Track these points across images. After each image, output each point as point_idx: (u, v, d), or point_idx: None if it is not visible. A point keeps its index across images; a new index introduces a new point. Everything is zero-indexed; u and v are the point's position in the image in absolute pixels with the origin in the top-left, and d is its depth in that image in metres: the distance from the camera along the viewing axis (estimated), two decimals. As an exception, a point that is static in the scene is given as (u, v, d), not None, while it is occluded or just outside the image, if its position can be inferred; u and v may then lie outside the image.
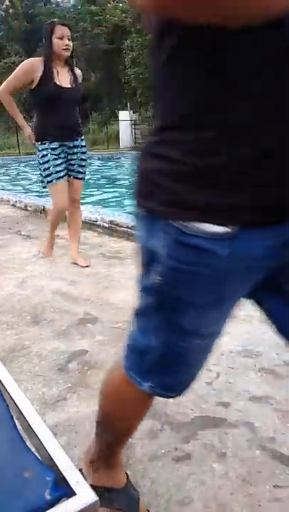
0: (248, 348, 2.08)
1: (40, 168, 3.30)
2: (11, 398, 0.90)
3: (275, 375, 1.84)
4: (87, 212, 5.04)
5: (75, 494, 0.66)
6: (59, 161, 3.24)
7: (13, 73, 3.18)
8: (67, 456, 0.77)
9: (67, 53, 3.13)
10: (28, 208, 6.23)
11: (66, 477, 0.69)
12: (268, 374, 1.85)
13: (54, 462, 0.74)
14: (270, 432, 1.50)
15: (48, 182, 3.28)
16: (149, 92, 31.36)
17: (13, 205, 6.76)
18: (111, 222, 4.52)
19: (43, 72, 3.08)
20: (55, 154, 3.21)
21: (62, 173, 3.27)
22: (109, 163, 18.09)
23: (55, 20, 3.43)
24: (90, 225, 4.80)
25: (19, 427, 0.85)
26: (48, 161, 3.22)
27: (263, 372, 1.87)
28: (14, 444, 0.80)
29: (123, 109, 29.99)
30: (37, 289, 2.94)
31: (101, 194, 9.40)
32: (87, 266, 3.42)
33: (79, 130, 3.40)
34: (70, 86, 3.21)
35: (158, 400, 1.67)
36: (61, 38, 3.08)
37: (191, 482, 1.30)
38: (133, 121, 28.35)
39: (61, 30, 3.08)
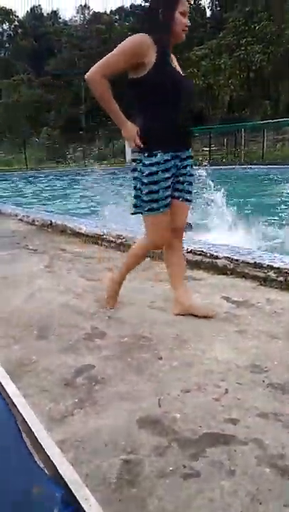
0: (256, 363, 2.06)
1: (140, 190, 2.41)
2: (19, 413, 0.90)
3: (284, 391, 1.82)
4: (93, 227, 5.07)
5: (84, 511, 0.66)
6: (169, 182, 2.37)
7: (114, 51, 2.30)
8: (76, 472, 0.77)
9: (184, 37, 2.36)
10: (36, 223, 6.29)
11: (75, 493, 0.69)
12: (276, 390, 1.83)
13: (62, 478, 0.74)
14: (280, 449, 1.47)
15: (149, 210, 2.39)
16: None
17: (21, 219, 6.83)
18: (118, 236, 4.54)
19: (157, 54, 2.24)
20: (166, 171, 2.34)
21: (169, 199, 2.42)
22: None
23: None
24: (97, 239, 4.83)
25: (27, 443, 0.85)
26: (157, 182, 2.32)
27: (271, 388, 1.85)
28: (22, 460, 0.80)
29: (129, 125, 30.32)
30: (44, 303, 2.95)
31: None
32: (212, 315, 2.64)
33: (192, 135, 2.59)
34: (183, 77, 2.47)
35: (165, 416, 1.67)
36: (185, 15, 2.28)
37: (199, 500, 1.27)
38: (139, 137, 28.64)
39: (186, 4, 2.28)
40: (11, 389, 0.95)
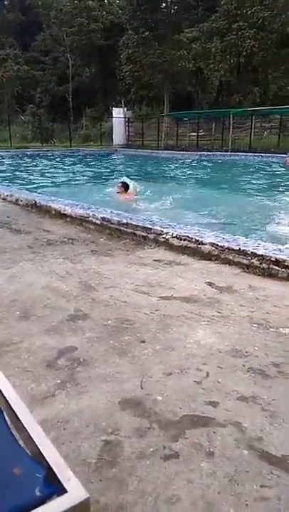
0: (237, 348, 2.09)
1: None
2: (1, 393, 0.89)
3: (264, 376, 1.85)
4: (78, 208, 5.02)
5: (66, 491, 0.66)
6: None
7: None
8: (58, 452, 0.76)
9: None
10: (19, 202, 6.18)
11: (57, 474, 0.69)
12: (256, 374, 1.86)
13: (44, 458, 0.73)
14: (258, 432, 1.51)
15: None
16: (143, 90, 31.29)
17: (4, 199, 6.70)
18: (103, 219, 4.50)
19: None
20: None
21: None
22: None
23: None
24: (82, 221, 4.78)
25: (8, 422, 0.84)
26: None
27: (251, 372, 1.88)
28: (4, 440, 0.79)
29: (117, 106, 29.88)
30: (27, 285, 2.92)
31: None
32: None
33: None
34: None
35: (147, 399, 1.68)
36: None
37: (178, 481, 1.30)
38: (127, 119, 28.27)
39: None
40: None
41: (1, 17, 37.38)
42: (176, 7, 28.82)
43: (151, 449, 1.43)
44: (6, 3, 38.73)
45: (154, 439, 1.47)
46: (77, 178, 12.66)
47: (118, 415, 1.59)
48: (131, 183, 8.30)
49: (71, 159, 19.28)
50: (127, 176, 9.27)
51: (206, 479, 1.30)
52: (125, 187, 8.11)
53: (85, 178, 12.78)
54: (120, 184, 8.19)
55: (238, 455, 1.40)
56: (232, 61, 25.76)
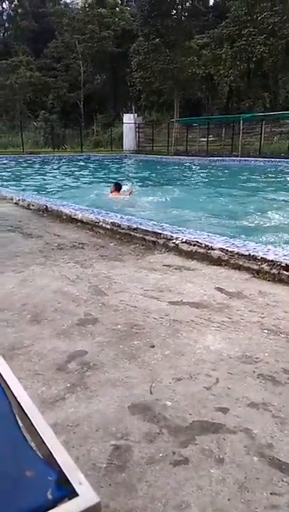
0: (247, 354, 2.08)
1: None
2: (13, 396, 0.90)
3: (274, 382, 1.84)
4: (88, 213, 5.05)
5: (78, 495, 0.66)
6: None
7: None
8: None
9: None
10: (31, 207, 6.24)
11: (68, 477, 0.69)
12: (266, 380, 1.85)
13: (56, 462, 0.74)
14: (268, 439, 1.49)
15: None
16: (153, 96, 31.46)
17: (16, 203, 6.77)
18: (113, 224, 4.52)
19: None
20: None
21: None
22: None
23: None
24: (92, 225, 4.81)
25: (21, 425, 0.85)
26: None
27: (262, 378, 1.87)
28: (16, 443, 0.80)
29: (127, 112, 30.07)
30: (38, 289, 2.94)
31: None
32: None
33: None
34: None
35: (156, 404, 1.68)
36: None
37: (188, 487, 1.29)
38: (137, 124, 28.42)
39: None
40: (5, 371, 0.95)
41: (14, 25, 37.95)
42: (186, 14, 29.01)
43: (161, 455, 1.42)
44: (19, 11, 39.31)
45: (163, 445, 1.47)
46: (81, 182, 12.88)
47: (128, 420, 1.59)
48: (128, 185, 9.03)
49: (80, 164, 19.48)
50: (128, 179, 9.80)
51: (215, 486, 1.30)
52: (117, 188, 8.67)
53: (89, 180, 13.01)
54: (113, 185, 8.79)
55: (248, 462, 1.39)
56: (242, 67, 25.81)
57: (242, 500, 1.24)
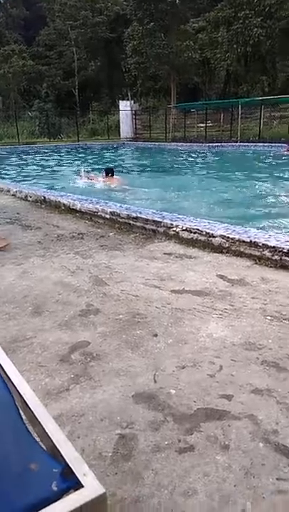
0: (250, 341, 2.07)
1: None
2: (16, 388, 0.89)
3: (278, 368, 1.84)
4: (87, 203, 5.02)
5: (83, 486, 0.65)
6: None
7: None
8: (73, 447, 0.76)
9: None
10: (29, 199, 6.20)
11: (73, 469, 0.69)
12: (270, 367, 1.85)
13: (60, 453, 0.73)
14: (273, 425, 1.50)
15: None
16: (149, 82, 31.08)
17: (14, 195, 6.73)
18: (112, 213, 4.49)
19: None
20: None
21: None
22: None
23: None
24: (91, 215, 4.78)
25: (24, 418, 0.84)
26: None
27: (265, 365, 1.87)
28: (20, 436, 0.79)
29: (123, 99, 29.73)
30: (39, 280, 2.93)
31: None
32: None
33: None
34: None
35: (160, 392, 1.68)
36: None
37: (194, 474, 1.29)
38: (134, 111, 28.13)
39: None
40: (7, 364, 0.94)
41: (5, 13, 37.32)
42: (180, -4, 28.49)
43: (166, 443, 1.43)
44: (10, -2, 38.64)
45: (168, 433, 1.47)
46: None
47: (132, 409, 1.59)
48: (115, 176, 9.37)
49: (76, 153, 19.36)
50: (115, 167, 10.18)
51: (221, 472, 1.30)
52: (109, 173, 9.09)
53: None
54: (104, 171, 9.24)
55: (254, 448, 1.40)
56: (239, 50, 25.39)
57: (248, 486, 1.25)
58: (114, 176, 9.11)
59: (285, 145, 16.62)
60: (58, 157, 17.72)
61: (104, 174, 9.08)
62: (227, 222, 4.12)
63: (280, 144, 18.18)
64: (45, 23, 37.59)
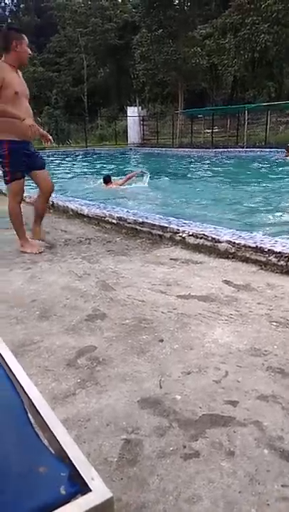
0: (256, 347, 2.07)
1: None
2: (24, 392, 0.91)
3: (284, 374, 1.84)
4: (94, 208, 5.05)
5: (91, 490, 0.67)
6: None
7: None
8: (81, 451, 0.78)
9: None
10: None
11: (81, 473, 0.70)
12: (276, 373, 1.85)
13: (68, 457, 0.74)
14: (279, 431, 1.50)
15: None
16: (157, 88, 31.22)
17: (23, 200, 6.77)
18: (119, 218, 4.52)
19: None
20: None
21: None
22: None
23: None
24: (98, 220, 4.81)
25: (32, 422, 0.86)
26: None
27: (271, 371, 1.87)
28: (28, 439, 0.81)
29: (131, 105, 29.89)
30: (46, 285, 2.96)
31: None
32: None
33: None
34: None
35: (166, 398, 1.69)
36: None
37: (199, 480, 1.30)
38: (141, 117, 28.26)
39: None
40: (16, 368, 0.96)
41: (17, 20, 37.78)
42: (188, 3, 28.63)
43: (172, 448, 1.43)
44: (21, 6, 39.13)
45: (174, 438, 1.48)
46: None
47: (137, 414, 1.60)
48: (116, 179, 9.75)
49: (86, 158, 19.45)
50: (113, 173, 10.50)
51: (226, 479, 1.30)
52: (106, 180, 9.42)
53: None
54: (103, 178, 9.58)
55: (259, 454, 1.40)
56: (246, 56, 25.43)
57: (253, 493, 1.25)
58: (113, 181, 9.42)
59: (283, 150, 16.73)
60: (71, 162, 17.84)
61: (103, 182, 9.41)
62: (231, 226, 4.13)
63: (283, 150, 18.21)
64: (55, 31, 38.01)
